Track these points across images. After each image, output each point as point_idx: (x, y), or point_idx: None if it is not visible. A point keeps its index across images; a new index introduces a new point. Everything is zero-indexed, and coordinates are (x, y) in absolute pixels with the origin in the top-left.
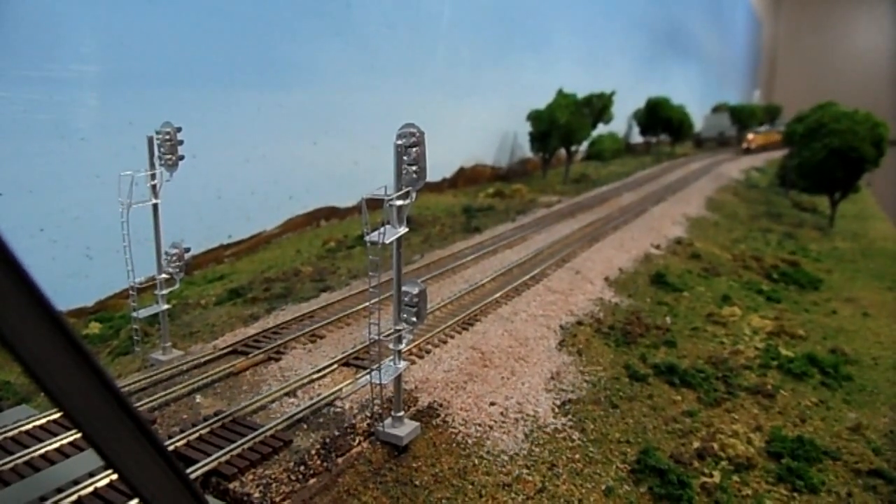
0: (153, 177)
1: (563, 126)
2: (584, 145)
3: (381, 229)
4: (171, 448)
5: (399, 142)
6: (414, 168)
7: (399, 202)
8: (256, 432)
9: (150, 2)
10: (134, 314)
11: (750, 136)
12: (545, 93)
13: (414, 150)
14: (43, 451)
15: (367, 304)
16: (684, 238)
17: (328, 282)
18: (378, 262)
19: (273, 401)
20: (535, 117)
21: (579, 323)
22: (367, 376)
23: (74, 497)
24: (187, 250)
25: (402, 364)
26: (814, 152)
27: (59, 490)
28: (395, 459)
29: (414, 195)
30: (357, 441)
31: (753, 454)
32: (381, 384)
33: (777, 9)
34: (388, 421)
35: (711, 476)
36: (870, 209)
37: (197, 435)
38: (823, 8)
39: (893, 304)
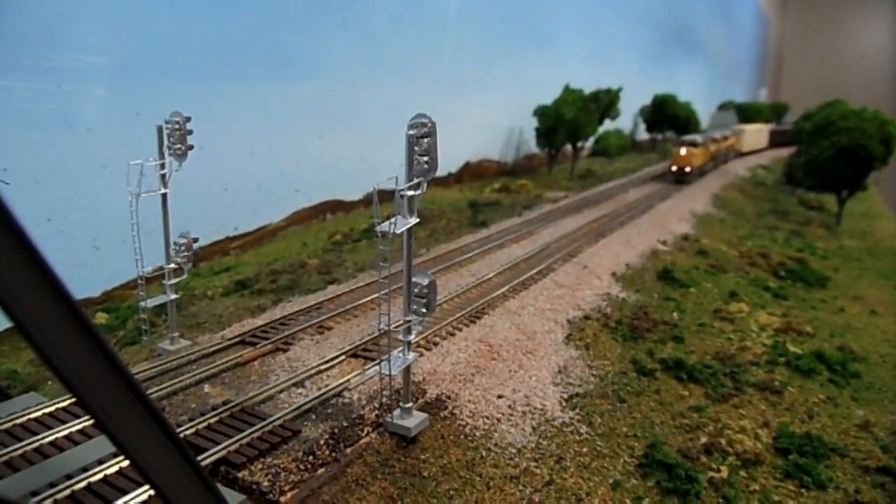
0: (162, 166)
1: (569, 122)
2: (590, 141)
3: (392, 220)
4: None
5: (410, 132)
6: (425, 159)
7: (410, 192)
8: (265, 422)
9: None
10: (142, 304)
11: (682, 150)
12: (552, 88)
13: (425, 140)
14: (52, 438)
15: (374, 296)
16: (691, 234)
17: (335, 274)
18: (388, 253)
19: (281, 391)
20: (541, 113)
21: (587, 317)
22: (376, 367)
23: (84, 483)
24: (195, 240)
25: (411, 355)
26: (821, 150)
27: (69, 476)
28: (404, 450)
29: (425, 186)
30: (365, 432)
31: (761, 450)
32: (389, 375)
33: (784, 6)
34: (397, 412)
35: (719, 471)
36: (877, 208)
37: (206, 424)
38: (831, 6)
39: None
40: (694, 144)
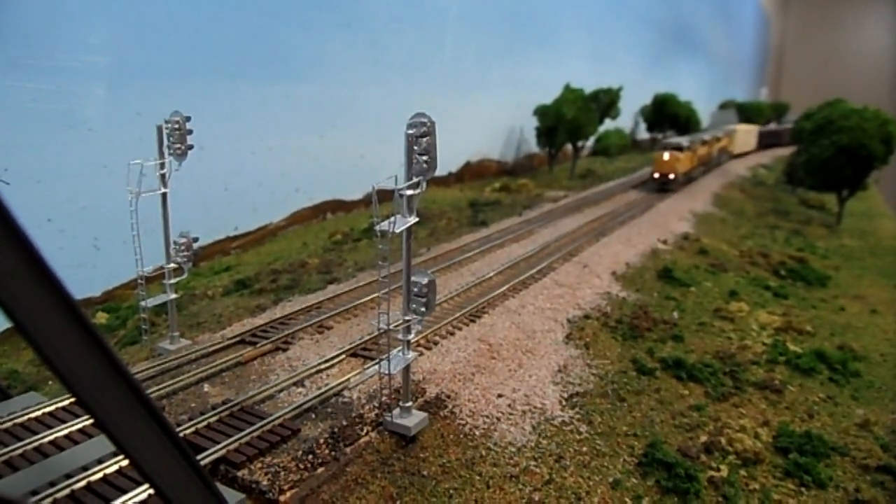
0: (162, 166)
1: (569, 121)
2: (591, 141)
3: (392, 218)
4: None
5: (410, 131)
6: (424, 158)
7: (409, 192)
8: (264, 421)
9: None
10: (142, 303)
11: (665, 155)
12: (552, 88)
13: (424, 139)
14: (52, 437)
15: (374, 295)
16: (691, 234)
17: (335, 274)
18: (388, 252)
19: (281, 390)
20: (541, 112)
21: (587, 316)
22: (376, 366)
23: (84, 483)
24: (195, 240)
25: (411, 354)
26: (822, 149)
27: (69, 476)
28: (403, 450)
29: (424, 185)
30: (365, 431)
31: (761, 449)
32: (389, 374)
33: (785, 6)
34: (397, 411)
35: (719, 470)
36: (878, 207)
37: (205, 423)
38: (832, 6)
39: None
40: (679, 148)
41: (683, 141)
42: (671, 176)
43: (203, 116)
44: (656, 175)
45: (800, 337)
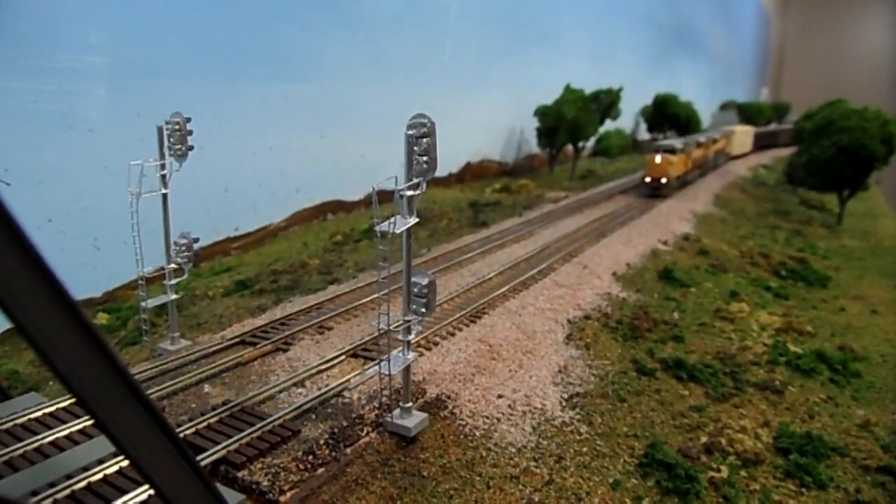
0: (163, 166)
1: (570, 122)
2: (591, 141)
3: (392, 219)
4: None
5: (410, 132)
6: (424, 159)
7: (409, 192)
8: (265, 422)
9: None
10: (143, 304)
11: (656, 158)
12: (552, 88)
13: (424, 140)
14: (52, 437)
15: (374, 296)
16: (692, 234)
17: (335, 274)
18: (388, 253)
19: (281, 391)
20: (542, 113)
21: (587, 317)
22: (376, 367)
23: (84, 483)
24: (196, 240)
25: (411, 355)
26: (823, 150)
27: (69, 476)
28: (404, 450)
29: (424, 186)
30: (365, 431)
31: (761, 449)
32: (389, 375)
33: (786, 6)
34: (397, 412)
35: (719, 471)
36: (878, 207)
37: (205, 424)
38: (832, 6)
39: None
40: (671, 151)
41: (676, 143)
42: (663, 180)
43: (203, 117)
44: (647, 179)
45: (800, 337)
